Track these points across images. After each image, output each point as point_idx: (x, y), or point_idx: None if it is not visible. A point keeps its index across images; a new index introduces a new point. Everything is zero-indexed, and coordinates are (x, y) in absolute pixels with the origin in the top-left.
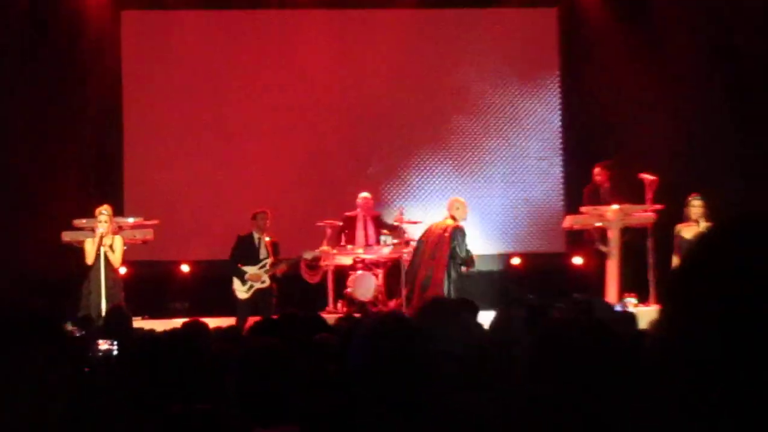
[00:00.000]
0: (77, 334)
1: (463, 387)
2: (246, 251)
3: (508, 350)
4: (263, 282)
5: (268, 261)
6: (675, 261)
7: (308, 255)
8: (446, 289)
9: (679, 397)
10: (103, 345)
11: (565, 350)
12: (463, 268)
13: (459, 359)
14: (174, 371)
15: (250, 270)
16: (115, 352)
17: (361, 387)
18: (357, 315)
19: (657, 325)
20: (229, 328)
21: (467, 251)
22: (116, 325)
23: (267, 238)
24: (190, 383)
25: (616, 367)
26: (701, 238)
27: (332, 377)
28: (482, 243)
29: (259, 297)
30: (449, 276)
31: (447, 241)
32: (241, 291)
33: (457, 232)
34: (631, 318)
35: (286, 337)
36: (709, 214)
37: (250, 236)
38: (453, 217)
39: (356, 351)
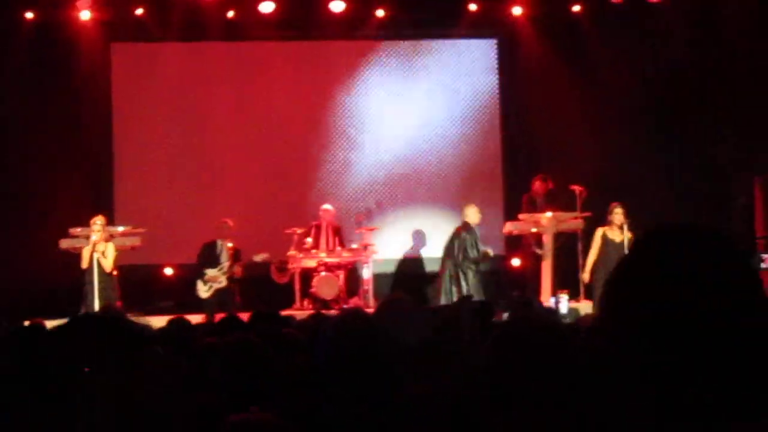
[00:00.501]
0: None
1: (417, 376)
2: (209, 256)
3: (457, 341)
4: (220, 282)
5: (226, 264)
6: (591, 258)
7: (258, 258)
8: (464, 286)
9: (612, 391)
10: None
11: (519, 343)
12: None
13: (412, 351)
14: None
15: (209, 272)
16: None
17: (328, 377)
18: (326, 311)
19: (593, 328)
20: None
21: (478, 250)
22: None
23: (229, 244)
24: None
25: (558, 356)
26: (628, 251)
27: (301, 370)
28: (435, 248)
29: (220, 295)
30: (464, 274)
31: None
32: (202, 291)
33: (463, 233)
34: (557, 314)
35: (257, 332)
36: (629, 220)
37: (214, 243)
38: (466, 222)
39: (322, 345)
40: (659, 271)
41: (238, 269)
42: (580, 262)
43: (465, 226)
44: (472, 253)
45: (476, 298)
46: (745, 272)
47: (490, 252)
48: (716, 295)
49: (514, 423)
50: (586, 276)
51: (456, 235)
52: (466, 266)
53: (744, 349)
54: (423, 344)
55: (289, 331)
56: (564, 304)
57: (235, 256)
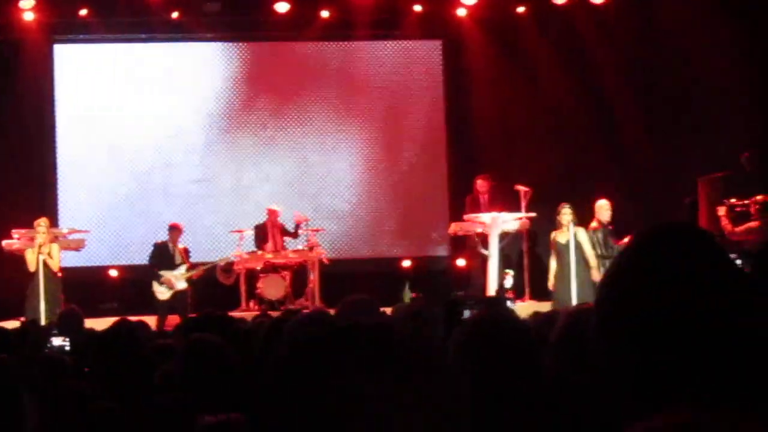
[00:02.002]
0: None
1: (379, 373)
2: (162, 257)
3: (424, 340)
4: (181, 285)
5: (185, 266)
6: (552, 264)
7: (222, 261)
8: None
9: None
10: (57, 341)
11: (489, 337)
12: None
13: (373, 348)
14: (118, 364)
15: (165, 274)
16: (68, 347)
17: (291, 378)
18: (273, 313)
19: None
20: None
21: (608, 247)
22: (69, 323)
23: (180, 246)
24: (133, 374)
25: (524, 348)
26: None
27: (258, 369)
28: (379, 248)
29: (177, 298)
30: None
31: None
32: (160, 293)
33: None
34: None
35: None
36: (577, 220)
37: (165, 244)
38: (598, 220)
39: (284, 344)
40: (657, 270)
41: (199, 272)
42: (526, 261)
43: (598, 224)
44: (600, 251)
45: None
46: (739, 272)
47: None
48: (715, 294)
49: (481, 417)
50: (550, 284)
51: (589, 232)
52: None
53: (741, 347)
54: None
55: (243, 330)
56: (509, 281)
57: (188, 256)
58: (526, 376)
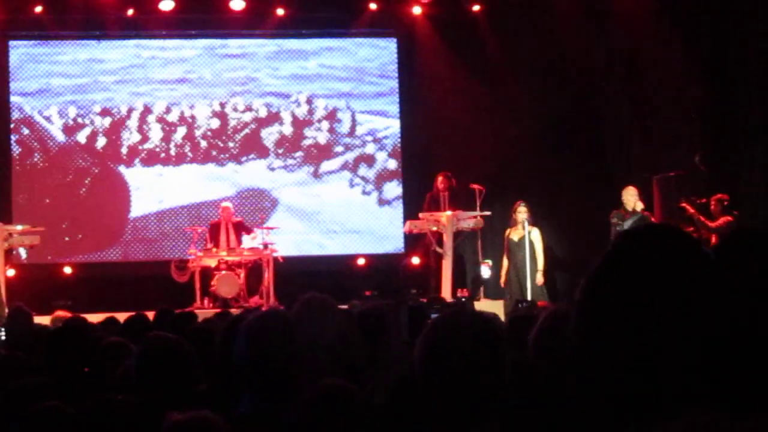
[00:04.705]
0: None
1: (331, 373)
2: None
3: (385, 341)
4: None
5: None
6: (504, 262)
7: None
8: None
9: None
10: None
11: (455, 338)
12: None
13: (328, 348)
14: (68, 361)
15: None
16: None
17: (246, 374)
18: (233, 311)
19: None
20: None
21: None
22: (17, 322)
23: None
24: (86, 371)
25: (493, 351)
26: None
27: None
28: (333, 247)
29: None
30: None
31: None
32: None
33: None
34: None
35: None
36: (533, 218)
37: None
38: (624, 206)
39: (241, 341)
40: (646, 271)
41: None
42: (480, 260)
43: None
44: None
45: None
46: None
47: None
48: (707, 296)
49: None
50: (502, 281)
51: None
52: None
53: (737, 349)
54: (344, 342)
55: (200, 329)
56: (486, 271)
57: None
58: (496, 374)
